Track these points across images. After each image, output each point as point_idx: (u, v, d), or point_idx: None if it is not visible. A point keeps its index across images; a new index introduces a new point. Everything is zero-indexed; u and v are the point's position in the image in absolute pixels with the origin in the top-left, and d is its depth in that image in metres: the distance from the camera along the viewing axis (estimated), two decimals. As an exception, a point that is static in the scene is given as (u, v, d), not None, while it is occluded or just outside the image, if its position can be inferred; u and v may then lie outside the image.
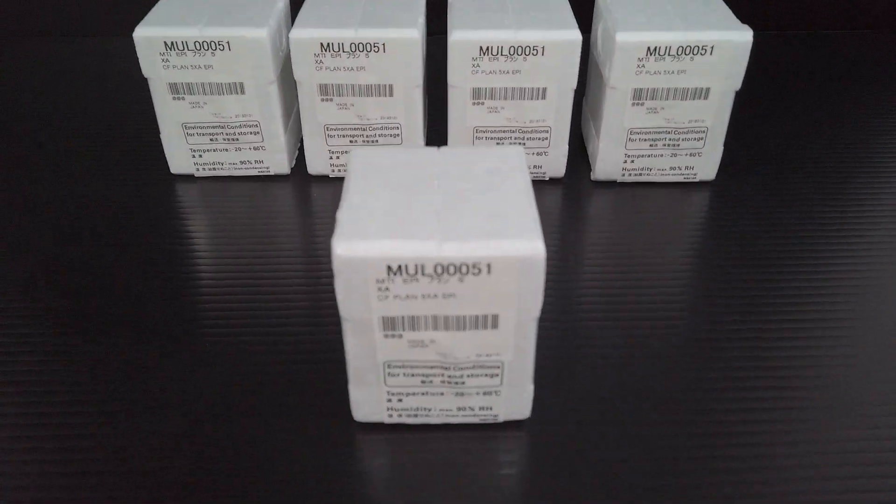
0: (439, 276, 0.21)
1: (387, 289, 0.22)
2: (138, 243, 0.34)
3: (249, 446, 0.25)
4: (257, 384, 0.28)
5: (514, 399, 0.25)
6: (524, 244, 0.21)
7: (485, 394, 0.25)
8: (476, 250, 0.21)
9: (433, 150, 0.25)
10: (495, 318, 0.23)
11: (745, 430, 0.26)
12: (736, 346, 0.29)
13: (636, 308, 0.31)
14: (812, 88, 0.48)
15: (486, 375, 0.24)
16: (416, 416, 0.25)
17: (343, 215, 0.22)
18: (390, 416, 0.25)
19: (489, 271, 0.21)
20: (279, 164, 0.38)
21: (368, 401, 0.25)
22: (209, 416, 0.26)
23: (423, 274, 0.21)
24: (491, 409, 0.25)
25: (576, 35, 0.34)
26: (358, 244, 0.21)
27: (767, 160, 0.41)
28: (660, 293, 0.32)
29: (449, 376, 0.24)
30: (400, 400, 0.25)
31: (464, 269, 0.21)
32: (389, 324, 0.23)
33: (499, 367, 0.24)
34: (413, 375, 0.24)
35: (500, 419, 0.26)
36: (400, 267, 0.21)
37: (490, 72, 0.35)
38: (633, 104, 0.35)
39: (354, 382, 0.25)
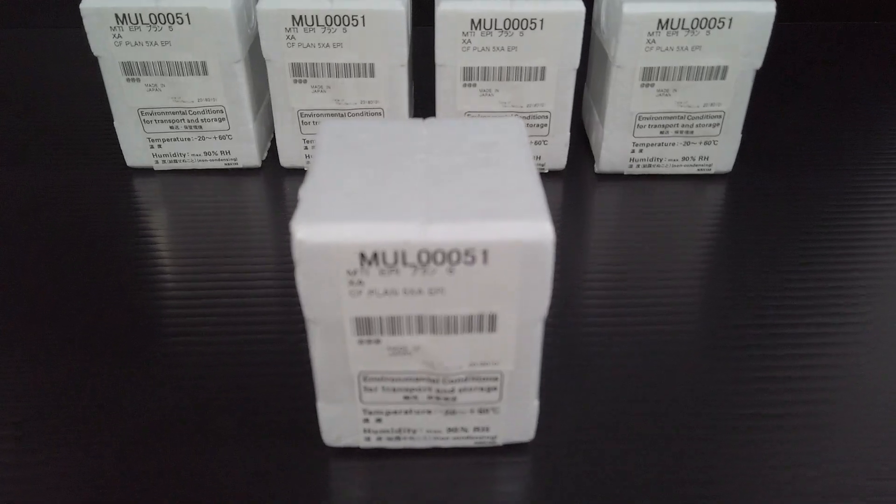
0: (424, 265, 0.17)
1: (360, 282, 0.18)
2: (90, 245, 0.30)
3: (198, 474, 0.21)
4: (215, 400, 0.23)
5: (516, 418, 0.21)
6: (528, 226, 0.17)
7: (480, 412, 0.21)
8: (469, 233, 0.17)
9: (418, 121, 0.21)
10: (493, 318, 0.19)
11: (774, 451, 0.22)
12: (755, 356, 0.25)
13: (646, 313, 0.27)
14: (839, 78, 0.44)
15: (482, 389, 0.20)
16: (398, 438, 0.21)
17: (306, 193, 0.18)
18: (367, 438, 0.21)
19: (485, 260, 0.17)
20: (248, 155, 0.34)
21: (341, 421, 0.21)
22: (158, 434, 0.22)
23: (404, 263, 0.17)
24: (488, 429, 0.21)
25: (578, 6, 0.30)
26: (323, 227, 0.17)
27: (789, 151, 0.37)
28: (671, 296, 0.28)
29: (437, 391, 0.20)
30: (379, 420, 0.21)
31: (454, 258, 0.17)
32: (364, 326, 0.19)
33: (497, 380, 0.20)
34: (394, 390, 0.20)
35: (499, 442, 0.21)
36: (376, 255, 0.17)
37: (482, 49, 0.31)
38: (642, 85, 0.32)
39: (324, 399, 0.20)
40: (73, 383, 0.24)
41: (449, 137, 0.20)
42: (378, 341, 0.19)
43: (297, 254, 0.17)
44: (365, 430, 0.21)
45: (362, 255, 0.17)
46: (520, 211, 0.18)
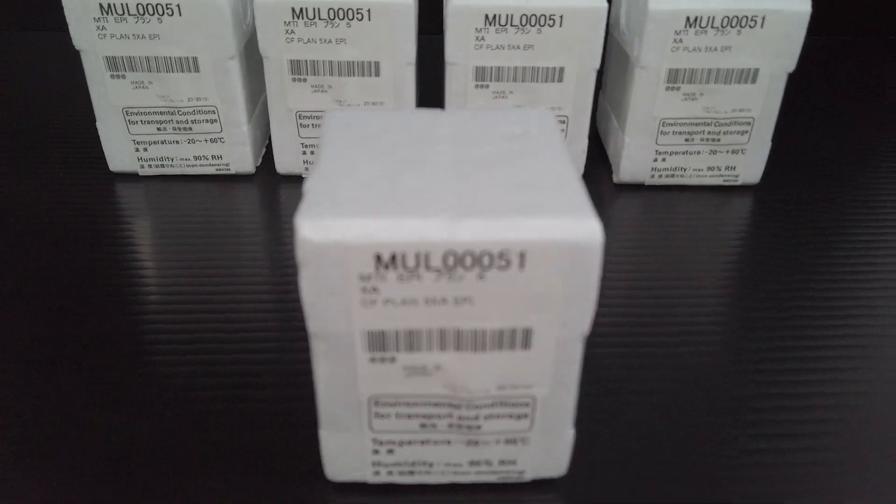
0: (451, 270, 0.15)
1: (374, 290, 0.15)
2: (68, 257, 0.28)
3: (181, 516, 0.18)
4: (201, 427, 0.21)
5: (547, 450, 0.18)
6: (573, 224, 0.15)
7: (507, 442, 0.18)
8: (505, 232, 0.15)
9: (436, 111, 0.19)
10: (528, 334, 0.16)
11: (812, 487, 0.19)
12: (789, 381, 0.23)
13: (669, 333, 0.24)
14: (875, 86, 0.42)
15: (511, 417, 0.17)
16: (411, 473, 0.19)
17: (313, 185, 0.16)
18: (377, 473, 0.19)
19: (522, 264, 0.15)
20: (242, 160, 0.32)
21: (347, 452, 0.18)
22: (135, 464, 0.19)
23: (427, 268, 0.15)
24: (515, 463, 0.18)
25: (601, 2, 0.28)
26: (333, 222, 0.15)
27: (820, 162, 0.35)
28: (695, 316, 0.25)
29: (459, 418, 0.17)
30: (391, 451, 0.18)
31: (486, 261, 0.15)
32: (378, 342, 0.16)
33: (528, 405, 0.17)
34: (410, 417, 0.17)
35: (527, 477, 0.19)
36: (394, 257, 0.15)
37: (497, 47, 0.29)
38: (667, 88, 0.29)
39: (328, 426, 0.18)
40: (48, 403, 0.21)
41: (473, 127, 0.18)
42: (393, 360, 0.16)
43: (302, 255, 0.15)
44: (374, 463, 0.18)
45: (378, 257, 0.15)
46: (562, 207, 0.15)
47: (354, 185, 0.16)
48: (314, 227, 0.15)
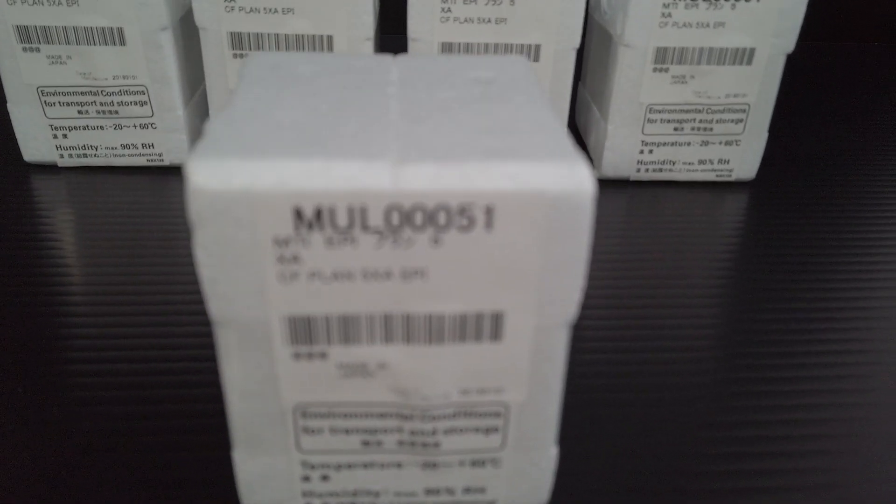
0: (396, 230, 0.11)
1: (295, 258, 0.12)
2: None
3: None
4: (97, 448, 0.17)
5: (524, 474, 0.15)
6: (557, 170, 0.11)
7: (474, 464, 0.14)
8: (466, 179, 0.11)
9: (386, 56, 0.15)
10: (497, 319, 0.12)
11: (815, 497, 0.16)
12: (783, 392, 0.19)
13: (659, 338, 0.21)
14: (878, 83, 0.40)
15: (478, 431, 0.14)
16: (352, 504, 0.15)
17: (216, 125, 0.12)
18: (308, 505, 0.15)
19: (489, 223, 0.11)
20: (177, 149, 0.28)
21: (270, 480, 0.14)
22: (41, 494, 0.15)
23: (364, 227, 0.11)
24: (484, 491, 0.15)
25: (581, -30, 0.25)
26: (238, 166, 0.11)
27: (819, 157, 0.32)
28: (685, 321, 0.22)
29: (412, 433, 0.14)
30: (325, 478, 0.14)
31: (441, 219, 0.11)
32: (303, 331, 0.12)
33: (500, 416, 0.14)
34: (348, 432, 0.14)
35: (499, 508, 0.15)
36: (320, 212, 0.11)
37: (465, 20, 0.25)
38: (655, 70, 0.26)
39: (243, 446, 0.14)
40: None
41: (430, 72, 0.14)
42: (324, 355, 0.13)
43: (196, 210, 0.11)
44: (305, 493, 0.14)
45: (298, 213, 0.11)
46: (542, 151, 0.12)
47: (271, 127, 0.12)
48: (211, 172, 0.11)
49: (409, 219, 0.11)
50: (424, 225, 0.11)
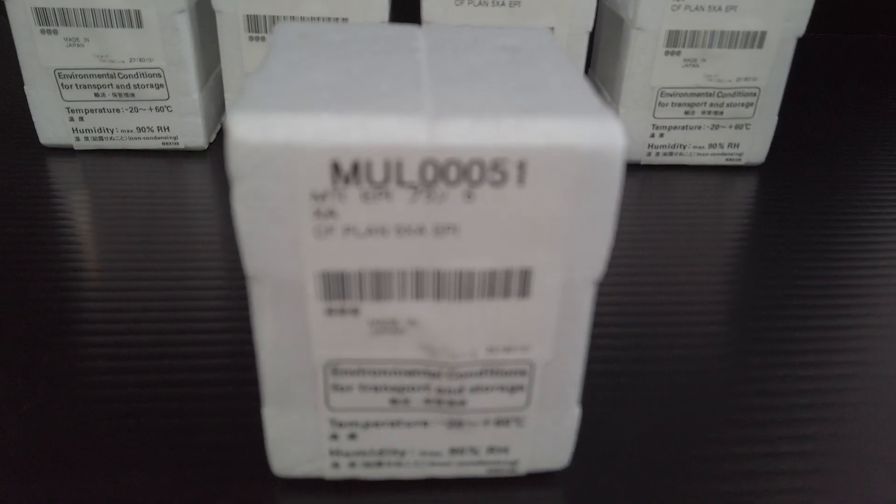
0: (430, 185, 0.12)
1: (331, 213, 0.12)
2: (-26, 227, 0.24)
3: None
4: (128, 410, 0.17)
5: (547, 434, 0.15)
6: (588, 126, 0.12)
7: (498, 423, 0.14)
8: (500, 134, 0.11)
9: (411, 26, 0.16)
10: (526, 276, 0.13)
11: (823, 480, 0.16)
12: (792, 375, 0.20)
13: (666, 322, 0.21)
14: (893, 67, 0.40)
15: (503, 390, 0.14)
16: (379, 464, 0.15)
17: (254, 83, 0.12)
18: (335, 465, 0.15)
19: (521, 178, 0.12)
20: (192, 132, 0.28)
21: (298, 438, 0.14)
22: (55, 456, 0.15)
23: (399, 182, 0.12)
24: (506, 451, 0.15)
25: (594, -47, 0.25)
26: (279, 120, 0.11)
27: (829, 141, 0.32)
28: (694, 305, 0.22)
29: (439, 390, 0.14)
30: (353, 436, 0.14)
31: (475, 174, 0.12)
32: (336, 287, 0.13)
33: (525, 374, 0.14)
34: (377, 389, 0.14)
35: (522, 470, 0.15)
36: (357, 166, 0.11)
37: (479, 3, 0.26)
38: (667, 53, 0.27)
39: (274, 402, 0.14)
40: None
41: (457, 41, 0.15)
42: (356, 311, 0.13)
43: (236, 163, 0.11)
44: (332, 452, 0.15)
45: (336, 167, 0.11)
46: (573, 108, 0.12)
47: (307, 86, 0.12)
48: (252, 126, 0.11)
49: (443, 174, 0.11)
50: (458, 180, 0.12)
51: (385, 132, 0.11)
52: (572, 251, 0.12)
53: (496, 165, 0.11)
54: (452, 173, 0.11)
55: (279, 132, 0.11)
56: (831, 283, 0.23)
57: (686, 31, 0.26)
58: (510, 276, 0.13)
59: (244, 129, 0.11)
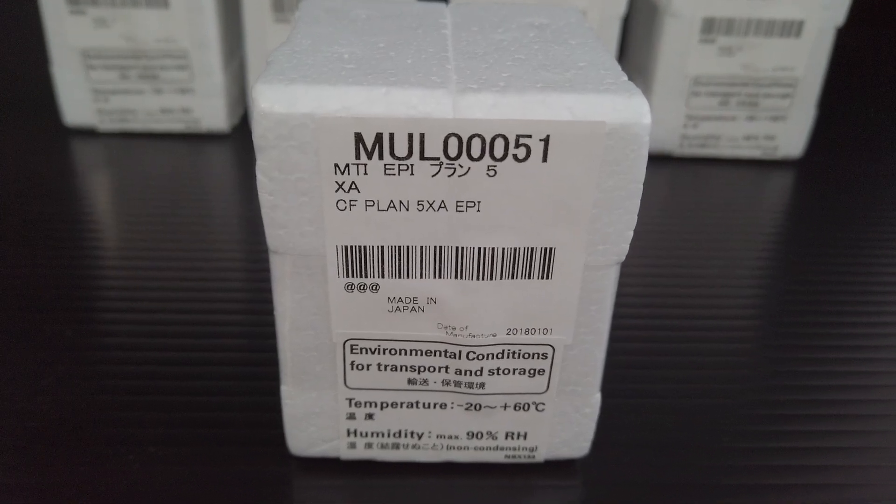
0: (453, 160, 0.11)
1: (354, 186, 0.12)
2: (19, 222, 0.24)
3: (112, 494, 0.14)
4: (145, 389, 0.17)
5: (567, 421, 0.14)
6: (615, 101, 0.11)
7: (517, 408, 0.14)
8: (525, 108, 0.11)
9: (439, 4, 0.15)
10: (548, 255, 0.12)
11: (845, 476, 0.15)
12: (824, 372, 0.19)
13: (692, 315, 0.21)
14: None
15: (523, 373, 0.14)
16: (395, 446, 0.15)
17: (280, 56, 0.12)
18: (352, 445, 0.15)
19: (545, 154, 0.11)
20: (214, 115, 0.28)
21: (315, 418, 0.14)
22: (71, 433, 0.16)
23: (422, 155, 0.11)
24: (525, 437, 0.15)
25: (628, -64, 0.25)
26: (304, 91, 0.11)
27: (869, 134, 0.31)
28: (727, 302, 0.21)
29: (458, 371, 0.14)
30: (370, 416, 0.14)
31: (499, 149, 0.11)
32: (357, 262, 0.12)
33: (546, 358, 0.14)
34: (395, 369, 0.14)
35: (541, 457, 0.15)
36: (380, 138, 0.11)
37: (509, -13, 0.25)
38: (702, 40, 0.26)
39: (291, 381, 0.14)
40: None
41: (483, 18, 0.14)
42: (376, 288, 0.13)
43: (260, 134, 0.11)
44: (349, 432, 0.14)
45: (360, 139, 0.11)
46: (599, 84, 0.12)
47: (332, 59, 0.12)
48: (277, 97, 0.11)
49: (467, 148, 0.11)
50: (482, 154, 0.11)
51: (409, 105, 0.11)
52: (596, 231, 0.12)
53: (520, 140, 0.11)
54: (476, 147, 0.11)
55: (304, 103, 0.11)
56: (868, 288, 0.22)
57: (722, 19, 0.26)
58: (532, 255, 0.12)
59: (269, 99, 0.11)
